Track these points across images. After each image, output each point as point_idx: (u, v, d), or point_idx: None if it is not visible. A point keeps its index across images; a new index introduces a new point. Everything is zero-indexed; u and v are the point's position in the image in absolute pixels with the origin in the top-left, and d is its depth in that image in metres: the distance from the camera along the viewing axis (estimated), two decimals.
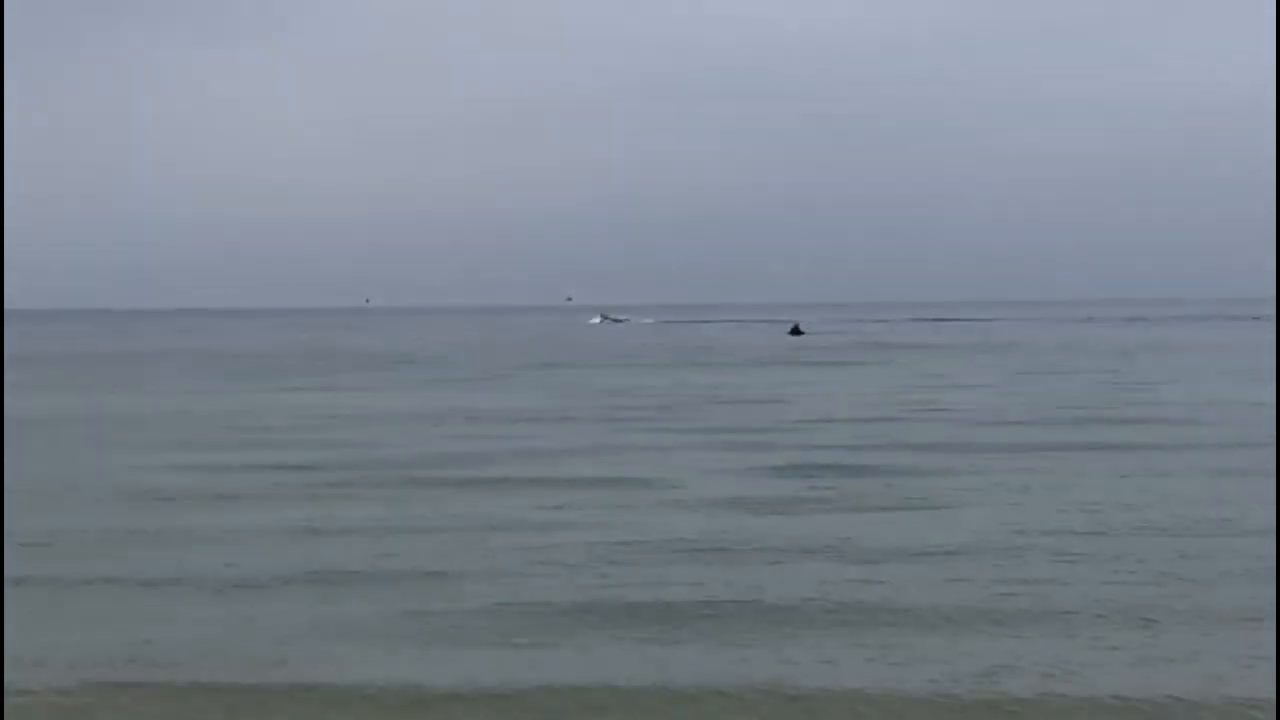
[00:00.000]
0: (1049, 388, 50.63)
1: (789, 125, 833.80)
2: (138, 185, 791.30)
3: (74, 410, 43.69)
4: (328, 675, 13.05)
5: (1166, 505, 22.24)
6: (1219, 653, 13.61)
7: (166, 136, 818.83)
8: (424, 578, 17.07)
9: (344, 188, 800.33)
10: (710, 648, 13.92)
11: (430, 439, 33.99)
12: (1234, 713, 12.01)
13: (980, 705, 12.22)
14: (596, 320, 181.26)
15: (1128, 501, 22.74)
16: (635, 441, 32.78)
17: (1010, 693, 12.45)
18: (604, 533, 20.04)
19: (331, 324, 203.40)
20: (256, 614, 15.41)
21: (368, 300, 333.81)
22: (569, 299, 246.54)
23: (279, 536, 20.10)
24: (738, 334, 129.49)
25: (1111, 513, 21.52)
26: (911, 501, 22.98)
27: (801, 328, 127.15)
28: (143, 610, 15.68)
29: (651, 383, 56.21)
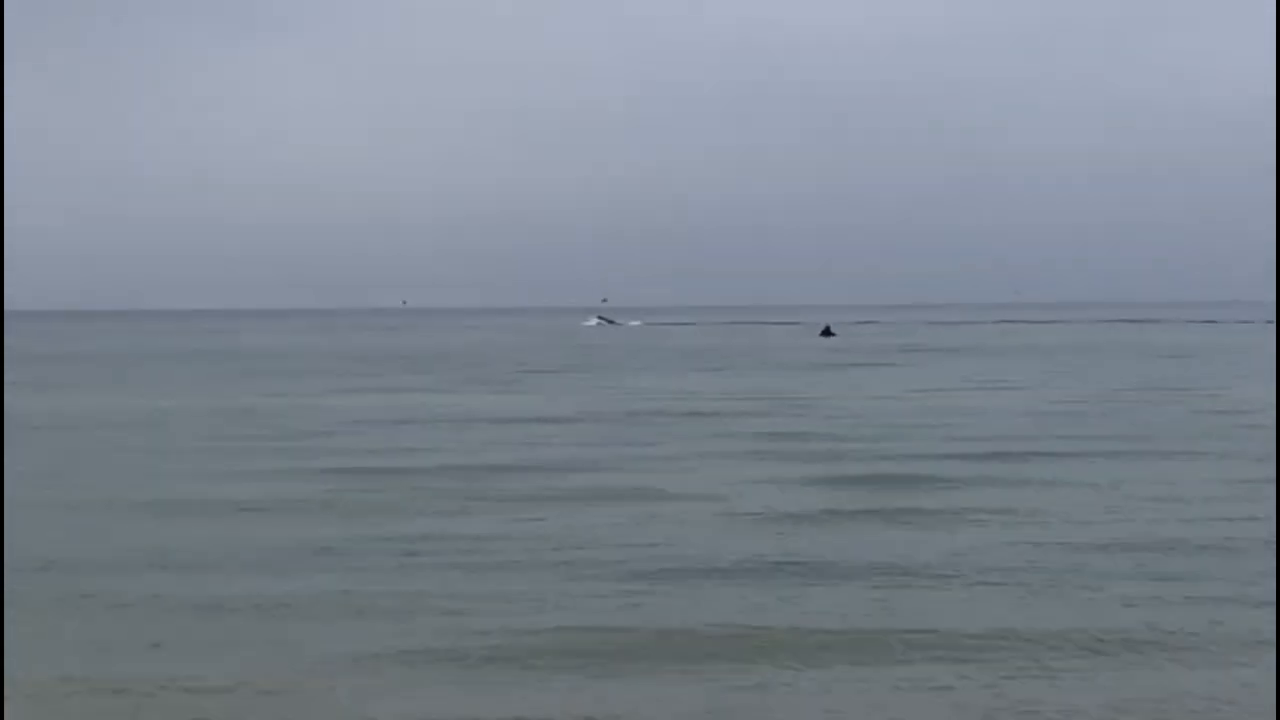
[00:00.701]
0: (1097, 391, 50.21)
1: (790, 127, 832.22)
2: (143, 186, 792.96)
3: (106, 411, 43.49)
4: (347, 711, 12.53)
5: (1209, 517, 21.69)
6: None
7: (175, 136, 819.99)
8: (449, 601, 16.49)
9: (358, 190, 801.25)
10: (755, 679, 13.29)
11: (464, 446, 33.49)
12: None
13: None
14: (593, 322, 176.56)
15: (1175, 514, 22.19)
16: (700, 450, 32.15)
17: None
18: (646, 550, 19.44)
19: (377, 326, 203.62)
20: (284, 639, 14.90)
21: (404, 302, 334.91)
22: (604, 300, 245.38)
23: (300, 553, 19.59)
24: (767, 336, 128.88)
25: (1167, 525, 20.95)
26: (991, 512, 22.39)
27: (832, 329, 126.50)
28: (164, 631, 15.19)
29: (703, 387, 55.73)
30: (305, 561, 18.91)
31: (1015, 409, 42.80)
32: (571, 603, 16.27)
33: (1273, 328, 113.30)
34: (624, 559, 18.76)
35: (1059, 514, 22.21)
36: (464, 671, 13.58)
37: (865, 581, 17.25)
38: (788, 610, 15.78)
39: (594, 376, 64.47)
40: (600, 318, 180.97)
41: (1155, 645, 14.24)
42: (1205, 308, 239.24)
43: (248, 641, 14.68)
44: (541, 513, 22.81)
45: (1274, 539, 19.63)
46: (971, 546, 19.48)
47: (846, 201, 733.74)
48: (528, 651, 14.17)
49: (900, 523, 21.57)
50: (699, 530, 21.01)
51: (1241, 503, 23.26)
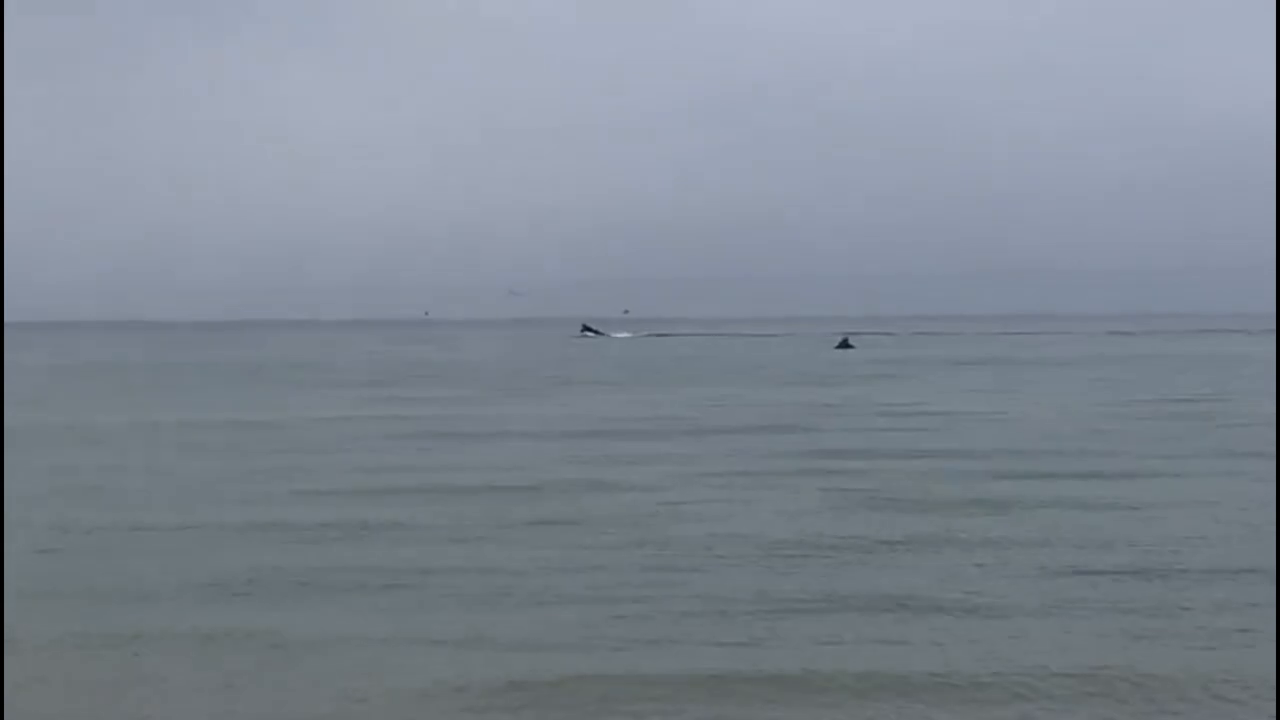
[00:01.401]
0: (1110, 406, 50.29)
1: (791, 128, 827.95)
2: (150, 192, 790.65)
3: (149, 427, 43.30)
4: None
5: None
6: None
7: (178, 141, 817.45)
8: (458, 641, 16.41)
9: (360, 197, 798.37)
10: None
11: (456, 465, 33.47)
12: None
13: None
14: (588, 334, 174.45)
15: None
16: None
17: None
18: (658, 577, 19.56)
19: (408, 337, 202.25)
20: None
21: (426, 313, 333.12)
22: (626, 312, 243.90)
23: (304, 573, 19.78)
24: (782, 348, 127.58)
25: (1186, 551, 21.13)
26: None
27: (850, 341, 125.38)
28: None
29: (713, 401, 55.51)
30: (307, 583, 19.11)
31: (1033, 426, 42.86)
32: (589, 639, 16.34)
33: (1272, 337, 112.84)
34: (646, 594, 18.68)
35: (1071, 538, 22.32)
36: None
37: (873, 613, 17.36)
38: (807, 647, 15.88)
39: (587, 393, 63.21)
40: (586, 328, 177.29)
41: (1154, 676, 14.48)
42: (1206, 317, 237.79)
43: (309, 676, 14.87)
44: (559, 538, 22.78)
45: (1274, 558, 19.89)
46: (986, 571, 19.73)
47: (854, 207, 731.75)
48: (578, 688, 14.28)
49: (917, 550, 21.59)
50: (700, 560, 20.86)
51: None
